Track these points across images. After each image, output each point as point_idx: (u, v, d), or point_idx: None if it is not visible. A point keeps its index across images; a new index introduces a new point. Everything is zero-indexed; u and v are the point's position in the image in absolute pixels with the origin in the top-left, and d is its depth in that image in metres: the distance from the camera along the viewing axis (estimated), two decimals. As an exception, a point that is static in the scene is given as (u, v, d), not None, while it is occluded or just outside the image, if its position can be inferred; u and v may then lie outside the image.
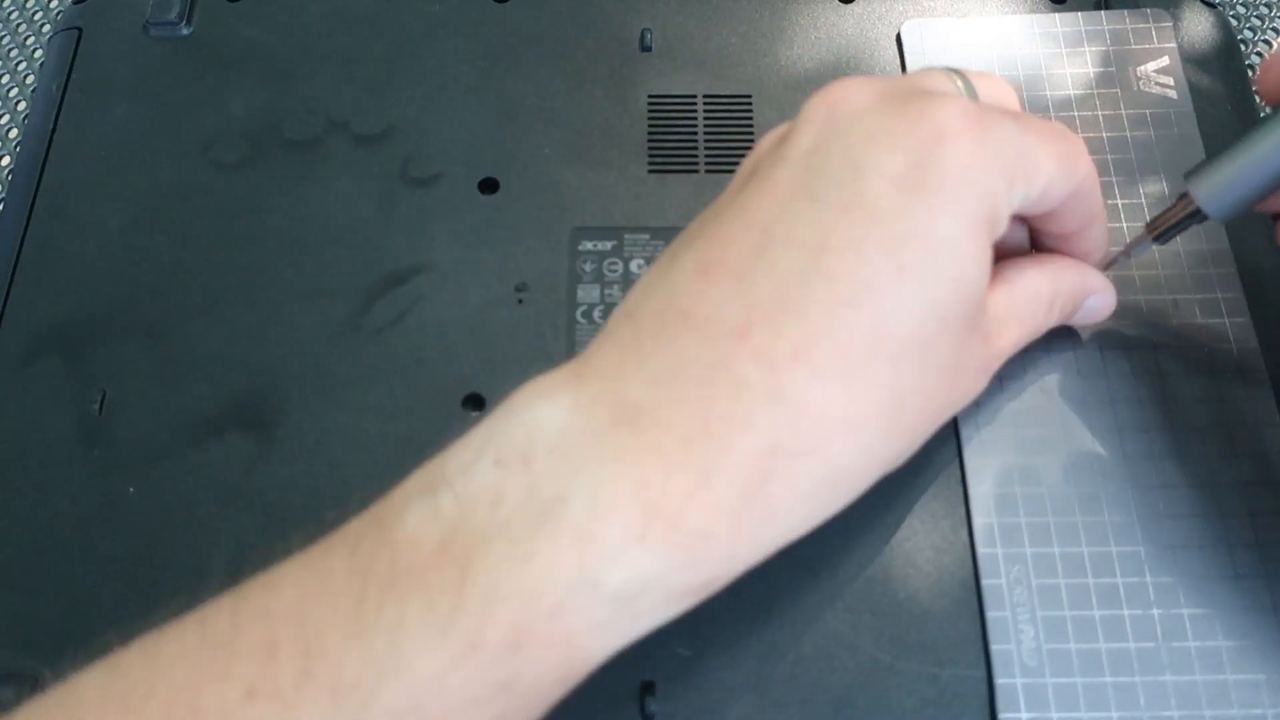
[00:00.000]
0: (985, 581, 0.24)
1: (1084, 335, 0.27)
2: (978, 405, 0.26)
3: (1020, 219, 0.24)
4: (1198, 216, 0.23)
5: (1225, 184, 0.22)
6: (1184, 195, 0.23)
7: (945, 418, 0.22)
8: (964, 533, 0.24)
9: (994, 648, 0.23)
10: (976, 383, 0.23)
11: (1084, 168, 0.22)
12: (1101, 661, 0.23)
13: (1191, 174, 0.23)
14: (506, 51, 0.31)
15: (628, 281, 0.28)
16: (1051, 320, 0.24)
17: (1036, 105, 0.30)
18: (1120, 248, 0.26)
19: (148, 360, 0.26)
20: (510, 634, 0.17)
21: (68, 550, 0.24)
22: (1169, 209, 0.24)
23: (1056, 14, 0.31)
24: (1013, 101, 0.24)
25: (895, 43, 0.31)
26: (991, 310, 0.22)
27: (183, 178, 0.30)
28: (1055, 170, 0.21)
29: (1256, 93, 0.28)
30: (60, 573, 0.24)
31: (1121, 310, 0.26)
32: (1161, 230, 0.24)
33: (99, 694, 0.18)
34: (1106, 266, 0.26)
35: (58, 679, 0.22)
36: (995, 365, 0.23)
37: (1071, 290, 0.24)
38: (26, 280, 0.28)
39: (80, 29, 0.32)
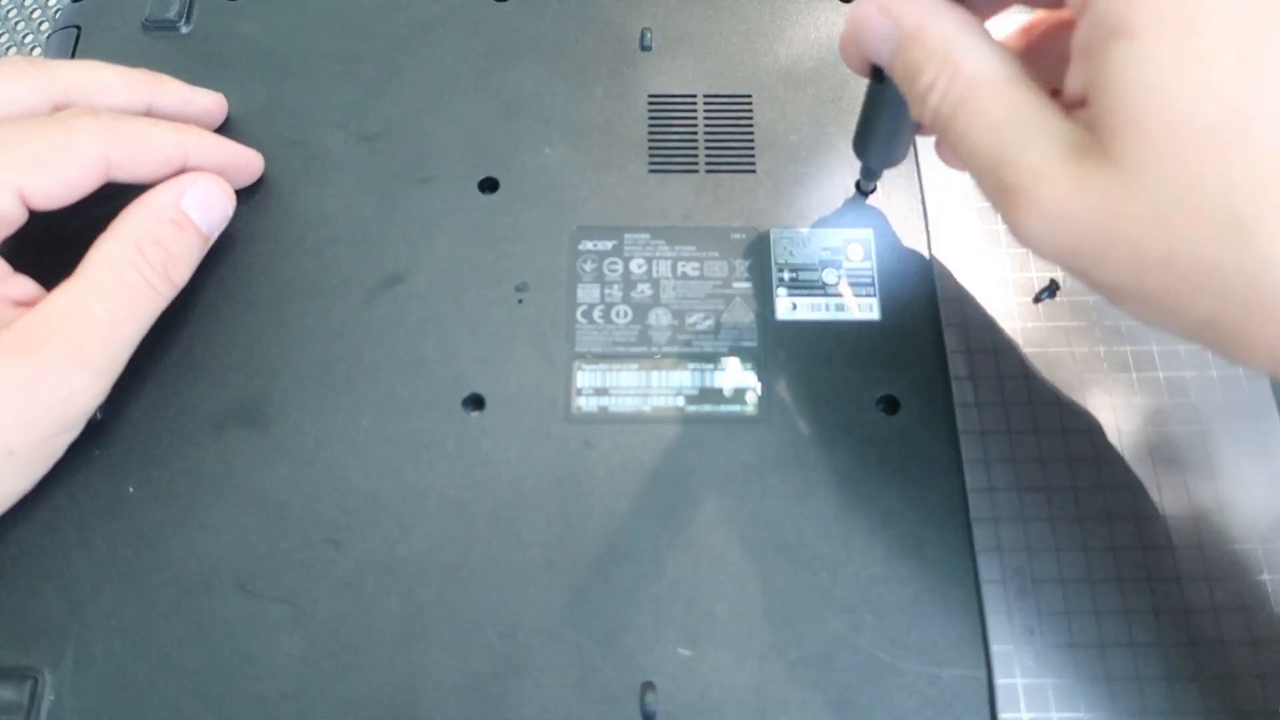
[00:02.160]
0: (985, 581, 0.24)
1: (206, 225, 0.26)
2: (977, 406, 0.26)
3: None
4: (874, 174, 0.28)
5: (873, 149, 0.26)
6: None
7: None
8: (964, 532, 0.24)
9: (994, 648, 0.23)
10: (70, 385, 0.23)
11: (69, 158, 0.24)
12: (1102, 662, 0.23)
13: (855, 145, 0.27)
14: (506, 51, 0.31)
15: (628, 281, 0.28)
16: (178, 254, 0.25)
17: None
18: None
19: (148, 360, 0.26)
20: None
21: (68, 550, 0.24)
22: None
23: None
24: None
25: (895, 43, 0.31)
26: (38, 314, 0.23)
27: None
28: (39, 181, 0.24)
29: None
30: (60, 573, 0.24)
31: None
32: (866, 192, 0.29)
33: None
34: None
35: (58, 679, 0.22)
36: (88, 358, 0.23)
37: (152, 221, 0.25)
38: (26, 280, 0.28)
39: (79, 28, 0.32)
